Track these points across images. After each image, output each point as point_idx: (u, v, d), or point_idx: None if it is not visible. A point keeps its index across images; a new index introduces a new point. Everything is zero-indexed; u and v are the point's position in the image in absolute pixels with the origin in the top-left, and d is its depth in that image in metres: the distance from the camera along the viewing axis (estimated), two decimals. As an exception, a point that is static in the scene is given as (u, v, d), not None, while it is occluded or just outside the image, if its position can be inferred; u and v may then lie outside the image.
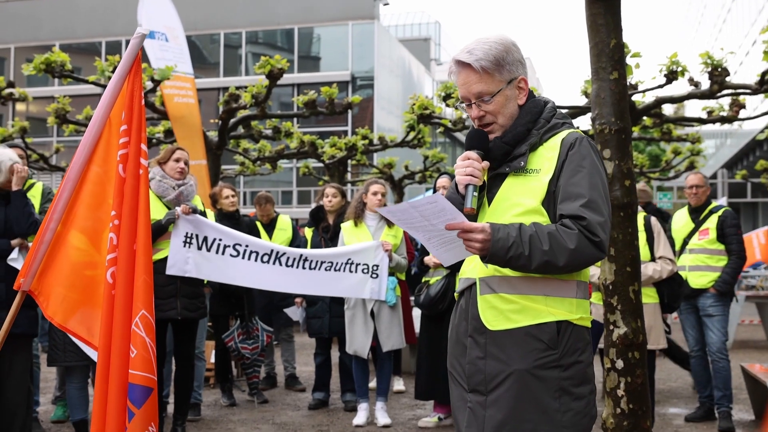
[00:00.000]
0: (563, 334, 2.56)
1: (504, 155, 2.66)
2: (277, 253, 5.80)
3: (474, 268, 2.69)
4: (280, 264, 5.80)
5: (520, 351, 2.54)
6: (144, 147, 3.37)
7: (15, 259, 4.88)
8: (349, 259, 6.10)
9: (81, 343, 3.59)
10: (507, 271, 2.58)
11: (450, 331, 2.79)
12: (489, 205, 2.67)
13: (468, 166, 2.58)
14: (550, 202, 2.59)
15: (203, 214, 5.86)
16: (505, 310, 2.58)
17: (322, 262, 5.97)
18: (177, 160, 5.82)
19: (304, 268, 5.90)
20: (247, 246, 5.70)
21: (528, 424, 2.53)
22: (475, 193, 2.56)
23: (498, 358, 2.57)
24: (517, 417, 2.54)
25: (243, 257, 5.68)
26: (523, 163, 2.62)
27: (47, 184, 6.04)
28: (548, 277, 2.57)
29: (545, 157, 2.62)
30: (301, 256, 5.91)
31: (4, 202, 5.01)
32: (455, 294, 2.84)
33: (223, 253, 5.63)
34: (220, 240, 5.62)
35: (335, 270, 6.03)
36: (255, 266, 5.72)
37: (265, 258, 5.75)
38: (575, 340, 2.59)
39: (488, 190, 2.70)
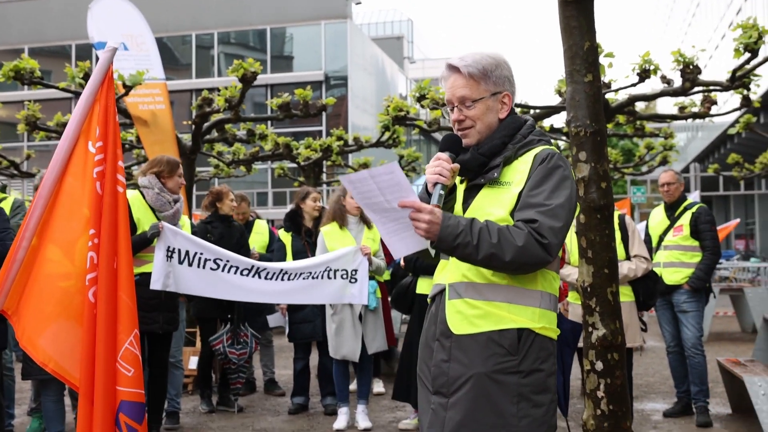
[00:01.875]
0: (524, 341, 2.62)
1: (480, 166, 2.75)
2: (257, 268, 5.77)
3: (445, 275, 2.77)
4: (260, 277, 5.77)
5: (481, 355, 2.61)
6: (121, 163, 3.33)
7: None
8: (328, 266, 6.07)
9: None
10: (474, 277, 2.67)
11: (421, 336, 2.86)
12: (464, 214, 2.74)
13: (437, 166, 2.65)
14: None
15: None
16: (470, 315, 2.65)
17: (300, 273, 5.95)
18: (180, 176, 5.78)
19: (283, 280, 5.87)
20: (228, 261, 5.67)
21: (484, 427, 2.59)
22: (442, 192, 2.61)
23: (461, 362, 2.64)
24: (475, 419, 2.60)
25: (223, 270, 5.65)
26: (496, 174, 2.70)
27: (18, 198, 5.96)
28: (513, 284, 2.65)
29: (518, 170, 2.70)
30: (282, 270, 5.88)
31: None
32: (428, 299, 2.89)
33: (203, 267, 5.58)
34: (201, 254, 5.57)
35: (313, 278, 6.00)
36: (235, 278, 5.69)
37: (245, 272, 5.72)
38: (537, 348, 2.64)
39: (464, 200, 2.79)
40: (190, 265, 5.52)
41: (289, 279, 5.89)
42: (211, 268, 5.60)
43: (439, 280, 2.82)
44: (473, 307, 2.66)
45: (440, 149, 2.76)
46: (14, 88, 29.14)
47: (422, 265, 6.13)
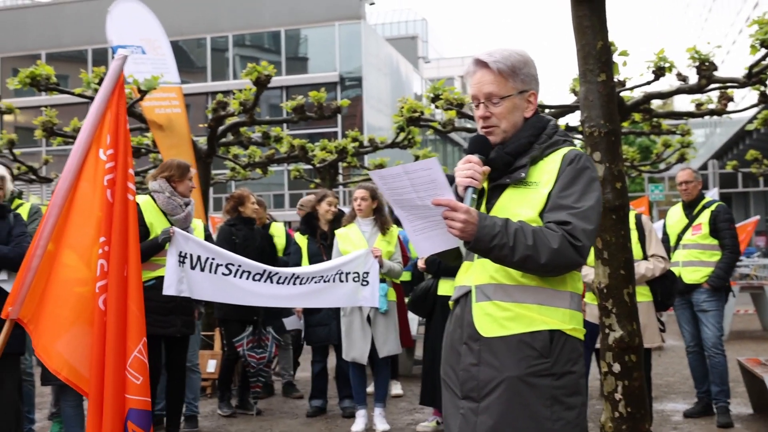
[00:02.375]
0: (556, 343, 2.58)
1: (505, 166, 2.70)
2: (269, 273, 5.77)
3: (470, 276, 2.72)
4: (272, 282, 5.77)
5: (513, 358, 2.56)
6: (131, 171, 3.34)
7: (5, 281, 4.81)
8: (340, 270, 6.06)
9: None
10: (503, 279, 2.62)
11: (444, 339, 2.81)
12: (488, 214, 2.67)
13: (469, 169, 2.59)
14: None
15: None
16: (499, 318, 2.60)
17: (312, 277, 5.95)
18: (191, 179, 5.80)
19: (295, 284, 5.87)
20: (240, 266, 5.67)
21: (519, 431, 2.54)
22: (474, 196, 2.56)
23: (491, 365, 2.59)
24: (508, 424, 2.55)
25: (235, 276, 5.65)
26: (523, 174, 2.66)
27: (35, 204, 6.00)
28: (543, 285, 2.60)
29: (545, 171, 2.67)
30: (294, 275, 5.87)
31: None
32: (450, 302, 2.84)
33: (215, 272, 5.59)
34: (213, 259, 5.58)
35: (324, 281, 5.99)
36: (247, 284, 5.69)
37: (257, 277, 5.72)
38: (568, 350, 2.61)
39: (487, 200, 2.73)
40: (202, 270, 5.52)
41: (301, 283, 5.89)
42: (223, 273, 5.61)
43: (463, 282, 2.77)
44: (503, 309, 2.61)
45: (469, 151, 2.70)
46: (31, 94, 29.38)
47: (446, 266, 6.08)
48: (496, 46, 2.81)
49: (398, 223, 12.30)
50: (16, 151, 14.07)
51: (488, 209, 2.71)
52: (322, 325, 7.03)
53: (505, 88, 2.70)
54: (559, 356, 2.58)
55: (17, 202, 5.79)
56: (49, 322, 3.47)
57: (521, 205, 2.63)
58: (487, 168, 2.65)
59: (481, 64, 2.73)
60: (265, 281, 5.73)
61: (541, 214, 2.61)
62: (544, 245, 2.49)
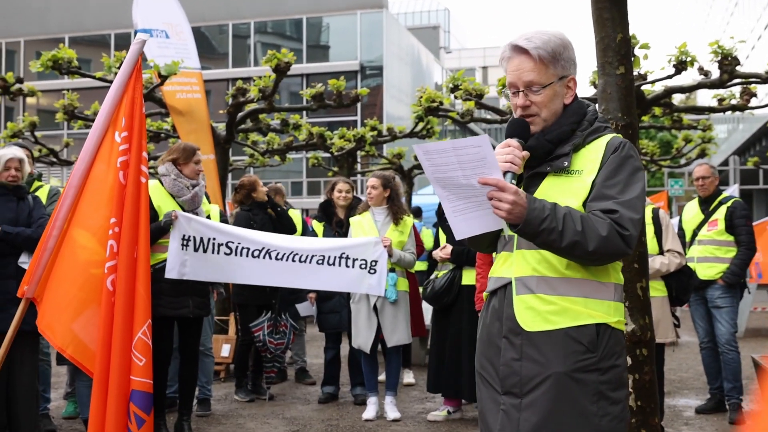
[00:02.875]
0: (602, 336, 2.51)
1: (545, 154, 2.61)
2: (268, 249, 5.81)
3: (509, 268, 2.63)
4: (271, 258, 5.80)
5: (559, 353, 2.49)
6: (145, 154, 3.37)
7: (26, 262, 4.88)
8: (344, 252, 6.05)
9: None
10: (546, 271, 2.54)
11: (480, 331, 2.73)
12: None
13: (509, 153, 2.49)
14: None
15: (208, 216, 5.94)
16: (544, 312, 2.52)
17: (312, 256, 5.96)
18: (197, 162, 5.84)
19: (294, 261, 5.89)
20: (239, 243, 5.72)
21: (565, 427, 2.48)
22: (513, 181, 2.46)
23: (535, 360, 2.51)
24: (555, 420, 2.48)
25: (236, 254, 5.70)
26: (566, 163, 2.57)
27: (54, 186, 6.06)
28: (588, 277, 2.54)
29: (588, 159, 2.59)
30: (292, 251, 5.89)
31: (16, 198, 5.06)
32: (485, 294, 2.77)
33: (217, 253, 5.65)
34: (214, 239, 5.63)
35: (329, 264, 6.00)
36: (248, 262, 5.74)
37: (256, 253, 5.77)
38: (613, 343, 2.54)
39: (525, 188, 2.61)
40: (204, 251, 5.58)
41: (300, 260, 5.91)
42: (225, 253, 5.67)
43: (501, 273, 2.66)
44: (547, 302, 2.52)
45: (507, 135, 2.58)
46: (53, 78, 29.59)
47: (470, 256, 6.05)
48: (531, 30, 2.65)
49: (417, 215, 12.29)
50: (38, 134, 14.20)
51: None
52: (334, 312, 7.08)
53: (546, 76, 2.58)
54: (605, 350, 2.51)
55: (37, 183, 5.85)
56: (60, 301, 3.50)
57: (564, 194, 2.54)
58: (526, 153, 2.55)
59: (519, 50, 2.59)
60: (263, 257, 5.77)
61: (584, 204, 2.53)
62: (593, 232, 2.42)
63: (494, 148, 2.45)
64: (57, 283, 3.45)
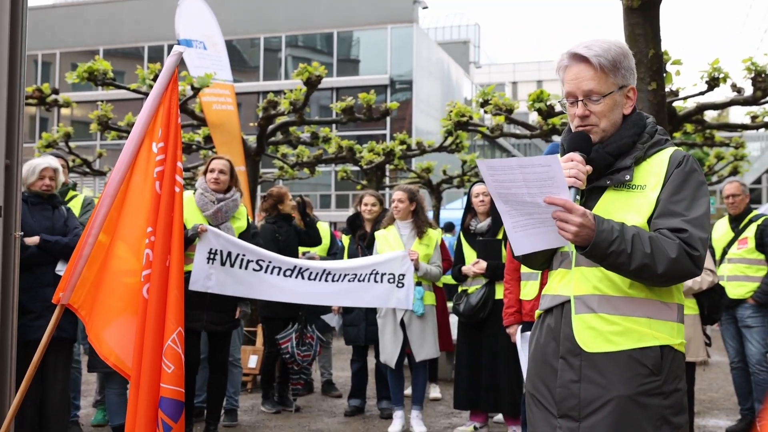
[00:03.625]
0: (666, 359, 2.44)
1: (605, 167, 2.53)
2: (300, 268, 5.82)
3: (567, 286, 2.55)
4: (303, 278, 5.82)
5: (622, 376, 2.40)
6: (180, 165, 3.42)
7: (62, 270, 4.95)
8: (374, 269, 6.08)
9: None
10: (608, 290, 2.47)
11: (533, 351, 2.65)
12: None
13: (573, 168, 2.41)
14: None
15: (245, 235, 5.94)
16: (606, 332, 2.44)
17: (345, 275, 5.97)
18: (212, 171, 5.86)
19: (326, 281, 5.91)
20: (270, 262, 5.74)
21: None
22: (578, 197, 2.42)
23: (595, 382, 2.43)
24: None
25: (266, 272, 5.72)
26: (628, 177, 2.49)
27: (88, 195, 6.15)
28: (651, 297, 2.46)
29: (651, 173, 2.50)
30: (325, 270, 5.91)
31: (51, 206, 5.14)
32: (537, 312, 2.70)
33: (246, 268, 5.66)
34: (243, 255, 5.65)
35: (359, 281, 6.02)
36: (277, 280, 5.76)
37: (288, 272, 5.78)
38: (676, 366, 2.47)
39: (585, 203, 2.54)
40: (232, 266, 5.60)
41: (333, 280, 5.92)
42: (254, 269, 5.68)
43: (558, 291, 2.58)
44: (610, 323, 2.43)
45: (569, 148, 2.52)
46: (88, 89, 30.06)
47: (501, 270, 5.99)
48: (589, 38, 2.58)
49: (449, 230, 12.22)
50: (72, 144, 14.43)
51: None
52: (353, 326, 7.11)
53: (606, 85, 2.50)
54: (669, 373, 2.43)
55: (72, 193, 5.94)
56: (100, 311, 3.56)
57: (627, 210, 2.47)
58: (589, 168, 2.47)
59: (579, 58, 2.52)
60: (296, 277, 5.78)
61: (649, 220, 2.45)
62: (662, 254, 2.33)
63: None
64: (99, 293, 3.52)
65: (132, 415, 3.38)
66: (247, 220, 6.21)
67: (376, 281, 6.07)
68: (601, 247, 2.32)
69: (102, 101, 11.91)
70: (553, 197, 2.31)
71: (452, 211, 17.94)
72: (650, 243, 2.34)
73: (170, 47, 3.49)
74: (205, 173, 5.89)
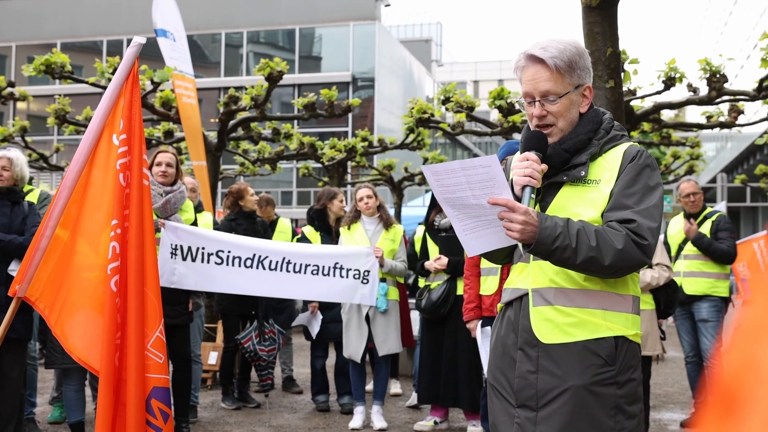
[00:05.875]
0: (620, 350, 2.48)
1: (562, 163, 2.57)
2: (260, 257, 5.79)
3: (525, 279, 2.59)
4: (263, 268, 5.80)
5: (577, 366, 2.45)
6: (145, 157, 3.40)
7: (14, 270, 4.84)
8: (337, 263, 6.07)
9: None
10: (564, 283, 2.51)
11: (494, 343, 2.70)
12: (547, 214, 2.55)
13: (527, 167, 2.46)
14: None
15: (195, 223, 5.90)
16: (562, 324, 2.49)
17: (306, 265, 5.95)
18: (159, 164, 5.72)
19: (288, 271, 5.88)
20: (229, 252, 5.70)
21: None
22: (533, 196, 2.45)
23: (551, 373, 2.48)
24: None
25: (227, 264, 5.69)
26: (583, 173, 2.54)
27: (44, 190, 6.05)
28: (606, 289, 2.50)
29: (606, 168, 2.55)
30: (284, 258, 5.88)
31: (11, 203, 5.01)
32: (499, 305, 2.74)
33: (207, 262, 5.63)
34: (203, 248, 5.61)
35: (323, 274, 6.01)
36: (240, 272, 5.72)
37: (248, 263, 5.75)
38: (630, 356, 2.51)
39: (541, 198, 2.59)
40: (193, 260, 5.56)
41: (295, 271, 5.90)
42: (216, 263, 5.65)
43: (517, 284, 2.62)
44: (565, 314, 2.48)
45: (525, 148, 2.56)
46: (45, 82, 29.56)
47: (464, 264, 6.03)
48: (545, 38, 2.61)
49: (438, 229, 12.22)
50: (28, 139, 14.18)
51: (542, 208, 2.56)
52: (336, 322, 7.02)
53: (562, 85, 2.52)
54: (623, 363, 2.47)
55: (28, 187, 5.83)
56: (60, 305, 3.53)
57: (581, 205, 2.52)
58: (545, 166, 2.51)
59: (535, 59, 2.54)
60: (256, 267, 5.76)
61: (603, 214, 2.50)
62: (607, 245, 2.37)
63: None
64: (59, 287, 3.48)
65: (106, 410, 3.34)
66: (195, 211, 6.15)
67: (341, 276, 6.07)
68: (545, 243, 2.36)
69: (59, 95, 11.73)
70: (496, 198, 2.36)
71: (414, 208, 17.98)
72: (596, 236, 2.39)
73: (129, 41, 3.45)
74: (150, 167, 5.81)
